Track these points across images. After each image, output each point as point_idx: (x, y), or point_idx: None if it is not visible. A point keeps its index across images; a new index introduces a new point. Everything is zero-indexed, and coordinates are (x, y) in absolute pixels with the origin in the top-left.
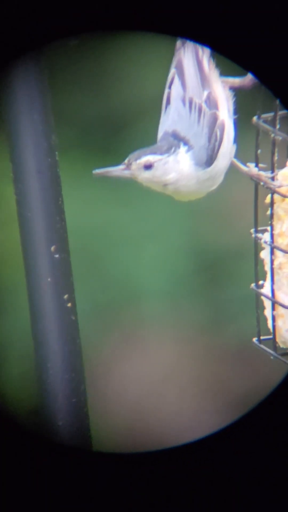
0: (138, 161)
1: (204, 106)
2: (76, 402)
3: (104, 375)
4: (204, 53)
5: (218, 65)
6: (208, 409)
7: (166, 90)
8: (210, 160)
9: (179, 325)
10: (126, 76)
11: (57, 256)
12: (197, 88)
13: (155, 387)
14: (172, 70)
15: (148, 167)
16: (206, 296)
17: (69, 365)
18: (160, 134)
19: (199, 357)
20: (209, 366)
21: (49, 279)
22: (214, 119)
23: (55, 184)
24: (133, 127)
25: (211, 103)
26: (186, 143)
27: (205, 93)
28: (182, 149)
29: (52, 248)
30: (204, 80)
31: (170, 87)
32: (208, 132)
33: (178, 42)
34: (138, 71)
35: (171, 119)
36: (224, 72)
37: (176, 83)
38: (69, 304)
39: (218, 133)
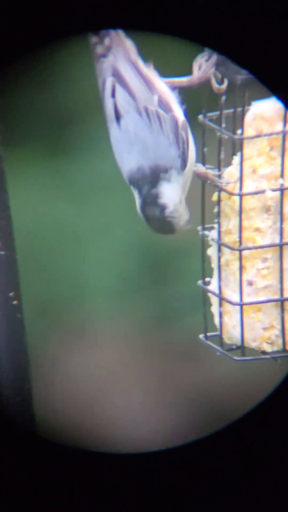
0: (178, 231)
1: (160, 111)
2: (21, 401)
3: (51, 374)
4: (136, 54)
5: (156, 64)
6: (155, 405)
7: (110, 100)
8: (184, 164)
9: (127, 322)
10: (74, 73)
11: (2, 253)
12: (146, 94)
13: (102, 384)
14: (110, 79)
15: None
16: (154, 293)
17: (15, 363)
18: (122, 155)
19: (147, 354)
20: (156, 363)
21: None
22: (175, 122)
23: (0, 180)
24: (80, 123)
25: (165, 106)
26: (165, 171)
27: (155, 98)
28: (164, 186)
29: None
30: (148, 84)
31: (113, 96)
32: (175, 137)
33: (99, 48)
34: (85, 68)
35: (133, 137)
36: (166, 72)
37: (120, 92)
38: (15, 302)
39: (184, 135)
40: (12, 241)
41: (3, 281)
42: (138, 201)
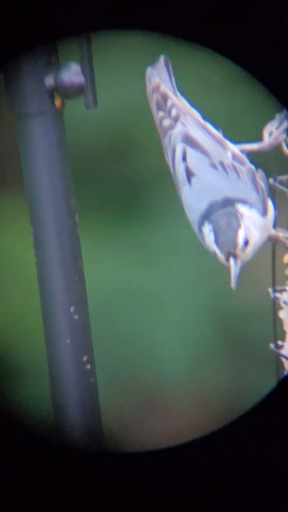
0: (239, 246)
1: (236, 163)
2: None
3: (124, 439)
4: (203, 119)
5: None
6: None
7: (181, 165)
8: (264, 210)
9: (199, 388)
10: (147, 139)
11: (76, 317)
12: (219, 150)
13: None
14: (180, 145)
15: (246, 243)
16: (226, 358)
17: (89, 429)
18: (193, 208)
19: (219, 421)
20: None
21: (68, 341)
22: (252, 172)
23: (75, 246)
24: (151, 189)
25: (240, 160)
26: (244, 202)
27: (229, 153)
28: (242, 208)
29: (71, 309)
30: (220, 142)
31: (184, 160)
32: (253, 186)
33: (166, 122)
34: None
35: (206, 187)
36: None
37: (192, 154)
38: (88, 366)
39: (263, 184)
40: (86, 305)
41: (76, 345)
42: (211, 233)
